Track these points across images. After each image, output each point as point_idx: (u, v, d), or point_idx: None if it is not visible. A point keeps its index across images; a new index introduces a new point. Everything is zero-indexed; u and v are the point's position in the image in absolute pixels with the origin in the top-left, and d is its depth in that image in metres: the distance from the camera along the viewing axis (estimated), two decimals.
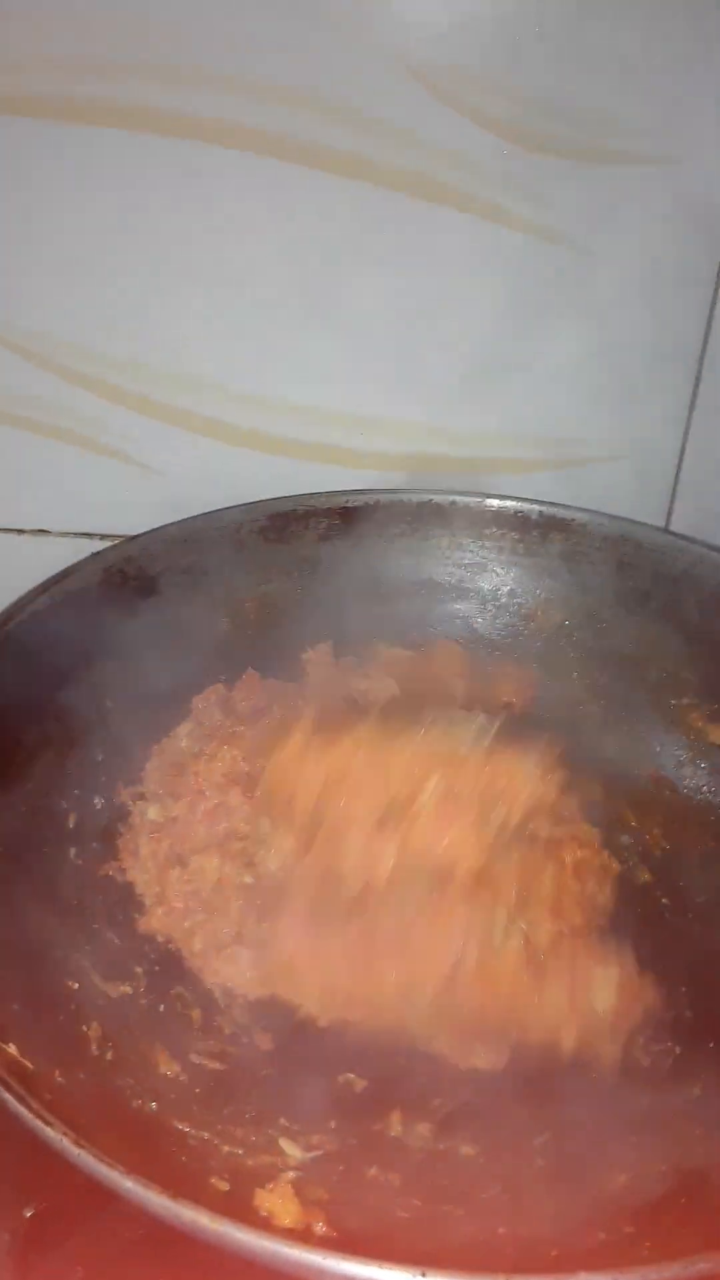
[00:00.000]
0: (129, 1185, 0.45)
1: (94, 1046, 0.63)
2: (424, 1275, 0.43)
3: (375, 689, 0.92)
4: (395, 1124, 0.65)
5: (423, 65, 0.80)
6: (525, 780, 0.72)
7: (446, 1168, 0.62)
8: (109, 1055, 0.63)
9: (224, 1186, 0.56)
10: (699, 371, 0.93)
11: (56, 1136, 0.47)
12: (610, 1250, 0.53)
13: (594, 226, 0.87)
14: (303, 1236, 0.50)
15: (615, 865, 0.79)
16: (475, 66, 0.80)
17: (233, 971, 0.72)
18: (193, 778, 0.82)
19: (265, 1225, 0.51)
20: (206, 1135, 0.61)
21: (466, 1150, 0.63)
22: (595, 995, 0.68)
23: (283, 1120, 0.64)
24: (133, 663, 0.83)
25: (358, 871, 0.70)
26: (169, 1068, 0.65)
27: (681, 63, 0.80)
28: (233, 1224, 0.44)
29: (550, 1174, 0.61)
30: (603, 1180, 0.60)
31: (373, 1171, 0.61)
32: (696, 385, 0.94)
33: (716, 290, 0.89)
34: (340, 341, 0.92)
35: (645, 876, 0.80)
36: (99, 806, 0.79)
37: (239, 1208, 0.52)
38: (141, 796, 0.81)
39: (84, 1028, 0.63)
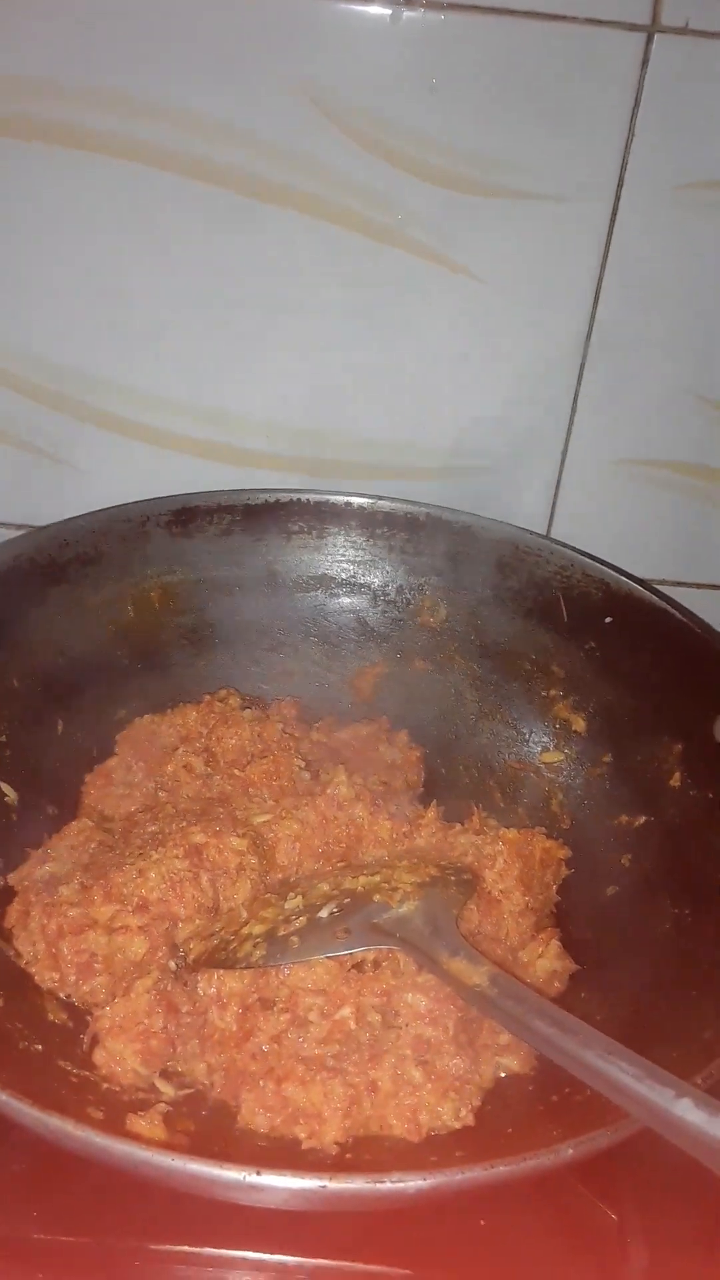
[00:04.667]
0: (3, 1098, 0.51)
1: None
2: (258, 1174, 0.50)
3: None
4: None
5: (336, 107, 0.87)
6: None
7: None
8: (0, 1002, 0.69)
9: (98, 1115, 0.62)
10: (577, 389, 1.01)
11: None
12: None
13: (486, 254, 0.94)
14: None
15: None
16: (386, 112, 0.87)
17: None
18: None
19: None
20: (88, 1074, 0.67)
21: None
22: None
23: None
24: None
25: None
26: (56, 1016, 0.71)
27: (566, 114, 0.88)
28: (93, 1130, 0.50)
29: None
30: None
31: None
32: (575, 402, 1.01)
33: (593, 313, 0.97)
34: (245, 351, 0.99)
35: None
36: None
37: (110, 1131, 0.58)
38: None
39: None
